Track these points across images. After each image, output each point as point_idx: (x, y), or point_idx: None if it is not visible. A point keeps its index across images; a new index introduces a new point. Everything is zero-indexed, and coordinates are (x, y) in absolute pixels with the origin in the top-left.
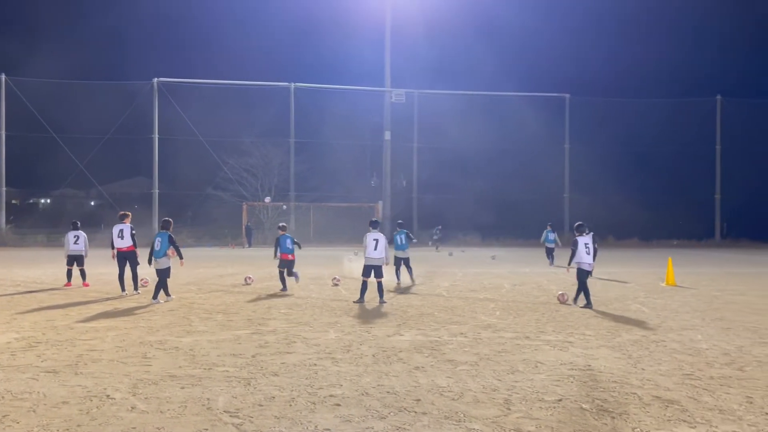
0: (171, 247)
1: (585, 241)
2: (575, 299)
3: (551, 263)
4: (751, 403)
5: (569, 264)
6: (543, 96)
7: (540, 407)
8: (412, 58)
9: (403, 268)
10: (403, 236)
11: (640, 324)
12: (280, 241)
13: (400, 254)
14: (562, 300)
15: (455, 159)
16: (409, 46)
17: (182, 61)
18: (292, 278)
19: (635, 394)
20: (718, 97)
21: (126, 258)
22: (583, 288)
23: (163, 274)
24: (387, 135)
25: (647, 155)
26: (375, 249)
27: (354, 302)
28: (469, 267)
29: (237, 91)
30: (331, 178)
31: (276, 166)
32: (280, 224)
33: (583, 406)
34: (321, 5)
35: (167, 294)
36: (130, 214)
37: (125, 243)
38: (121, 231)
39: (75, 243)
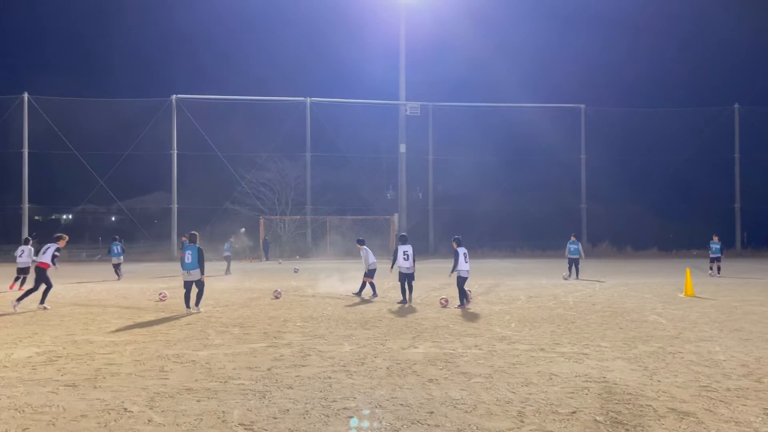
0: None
1: (464, 251)
2: (460, 303)
3: (573, 276)
4: None
5: (452, 272)
6: (558, 107)
7: (553, 420)
8: (427, 71)
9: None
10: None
11: (657, 335)
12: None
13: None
14: (443, 304)
15: (471, 171)
16: (424, 59)
17: (200, 78)
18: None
19: (650, 406)
20: (736, 105)
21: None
22: (460, 291)
23: (201, 285)
24: (402, 148)
25: (665, 165)
26: (406, 260)
27: (398, 303)
28: (485, 279)
29: (254, 106)
30: (348, 191)
31: (293, 180)
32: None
33: (597, 418)
34: (336, 21)
35: (197, 304)
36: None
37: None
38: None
39: (21, 256)
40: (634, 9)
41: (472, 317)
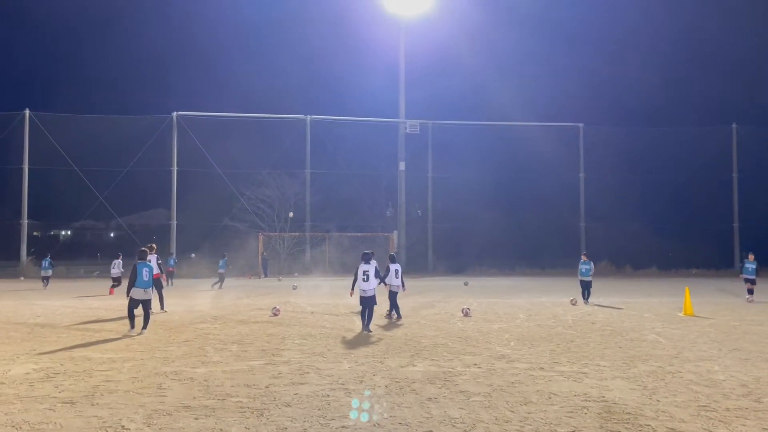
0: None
1: (395, 267)
2: (389, 314)
3: (586, 301)
4: None
5: (385, 284)
6: (557, 126)
7: None
8: (427, 90)
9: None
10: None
11: (656, 355)
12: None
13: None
14: (388, 317)
15: (470, 189)
16: (423, 78)
17: (200, 95)
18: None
19: (650, 426)
20: (734, 125)
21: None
22: (393, 304)
23: (149, 306)
24: (402, 165)
25: (663, 184)
26: (366, 281)
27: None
28: (484, 297)
29: (254, 123)
30: (347, 208)
31: (292, 196)
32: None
33: None
34: (336, 39)
35: (132, 325)
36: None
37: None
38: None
39: (114, 268)
40: (634, 29)
41: (470, 336)
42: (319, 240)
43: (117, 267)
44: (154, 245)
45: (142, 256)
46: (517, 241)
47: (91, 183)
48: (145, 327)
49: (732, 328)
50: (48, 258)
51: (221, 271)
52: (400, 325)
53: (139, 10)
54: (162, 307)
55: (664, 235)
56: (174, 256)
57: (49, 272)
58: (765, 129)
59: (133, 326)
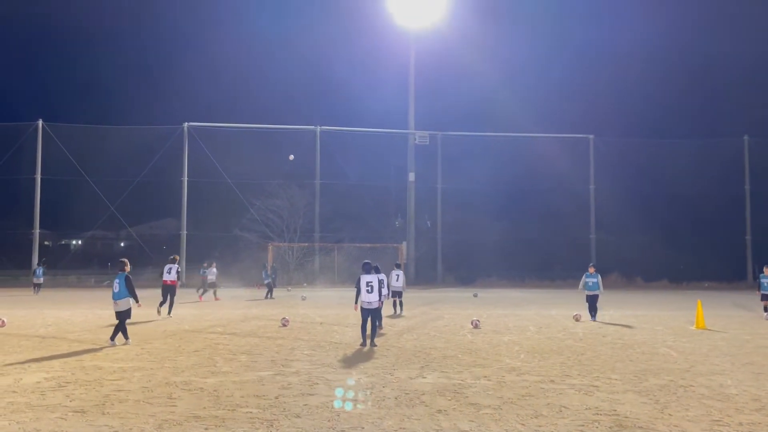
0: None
1: (380, 278)
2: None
3: (593, 317)
4: None
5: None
6: (567, 137)
7: None
8: (436, 101)
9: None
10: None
11: (667, 368)
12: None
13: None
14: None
15: (479, 200)
16: (433, 89)
17: (211, 106)
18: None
19: None
20: (746, 137)
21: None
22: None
23: (123, 316)
24: (411, 176)
25: (675, 196)
26: (370, 292)
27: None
28: (493, 308)
29: (264, 134)
30: (356, 219)
31: (302, 207)
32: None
33: None
34: (346, 50)
35: (125, 337)
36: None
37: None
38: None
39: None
40: (644, 41)
41: (480, 348)
42: (329, 250)
43: (212, 274)
44: (176, 256)
45: (121, 268)
46: (526, 252)
47: (102, 193)
48: (112, 337)
49: (745, 342)
50: (40, 266)
51: (267, 281)
52: (384, 335)
53: (151, 21)
54: (168, 312)
55: (675, 248)
56: (207, 267)
57: (41, 279)
58: None
59: (126, 337)
